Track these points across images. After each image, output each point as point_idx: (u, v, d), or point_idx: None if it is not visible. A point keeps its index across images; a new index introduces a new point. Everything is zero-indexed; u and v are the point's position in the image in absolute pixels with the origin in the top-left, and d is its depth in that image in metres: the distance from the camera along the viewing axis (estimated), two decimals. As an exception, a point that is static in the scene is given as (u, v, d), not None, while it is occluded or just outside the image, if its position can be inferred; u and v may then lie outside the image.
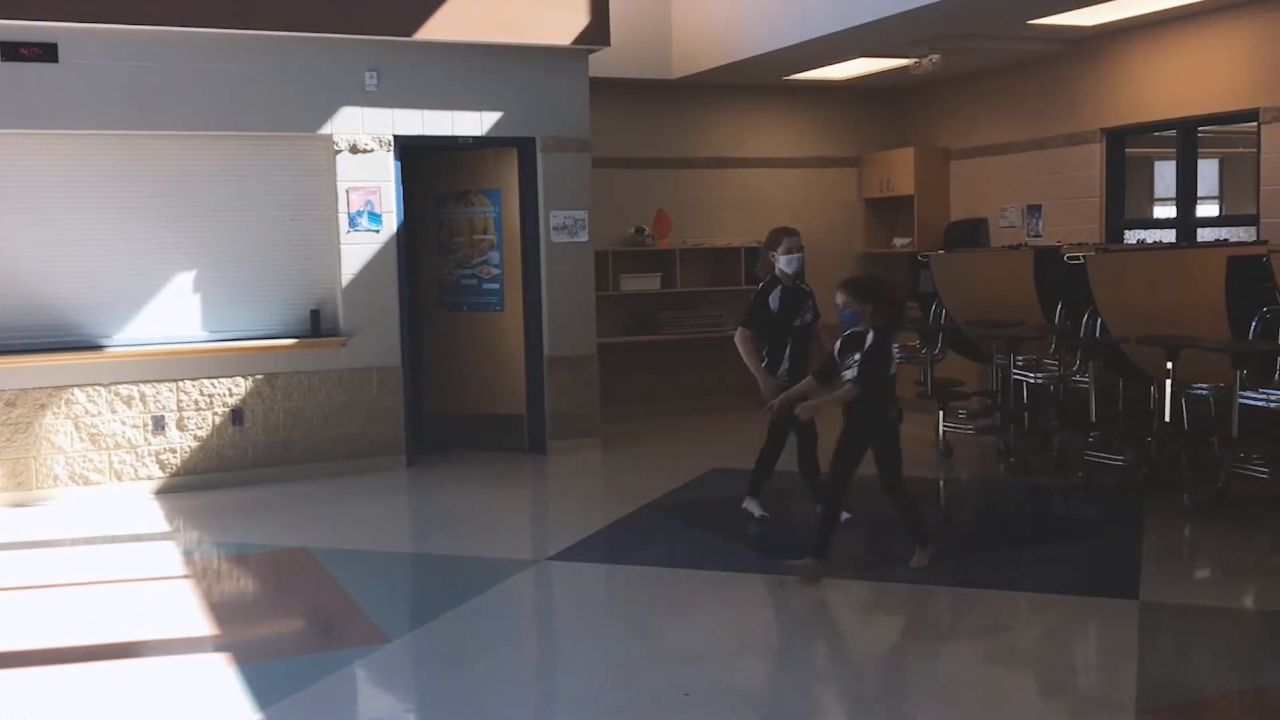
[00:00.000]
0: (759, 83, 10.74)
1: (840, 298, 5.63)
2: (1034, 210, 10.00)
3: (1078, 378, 7.53)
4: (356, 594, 5.57)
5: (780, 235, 6.69)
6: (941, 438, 8.43)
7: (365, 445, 8.48)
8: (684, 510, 7.17)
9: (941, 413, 8.42)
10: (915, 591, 5.49)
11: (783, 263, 6.64)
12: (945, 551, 5.91)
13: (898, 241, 11.21)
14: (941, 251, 9.36)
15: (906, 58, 9.48)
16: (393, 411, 8.58)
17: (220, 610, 5.39)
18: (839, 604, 5.44)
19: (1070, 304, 7.68)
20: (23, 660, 4.75)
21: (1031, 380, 7.82)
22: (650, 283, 10.52)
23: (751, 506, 6.78)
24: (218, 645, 4.90)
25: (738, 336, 6.67)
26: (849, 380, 5.57)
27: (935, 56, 9.24)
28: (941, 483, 7.85)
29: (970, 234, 10.46)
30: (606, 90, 9.76)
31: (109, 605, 5.59)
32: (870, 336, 5.54)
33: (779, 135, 11.30)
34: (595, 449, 9.12)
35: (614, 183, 10.34)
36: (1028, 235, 9.94)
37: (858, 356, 5.53)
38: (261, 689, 4.34)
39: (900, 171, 11.05)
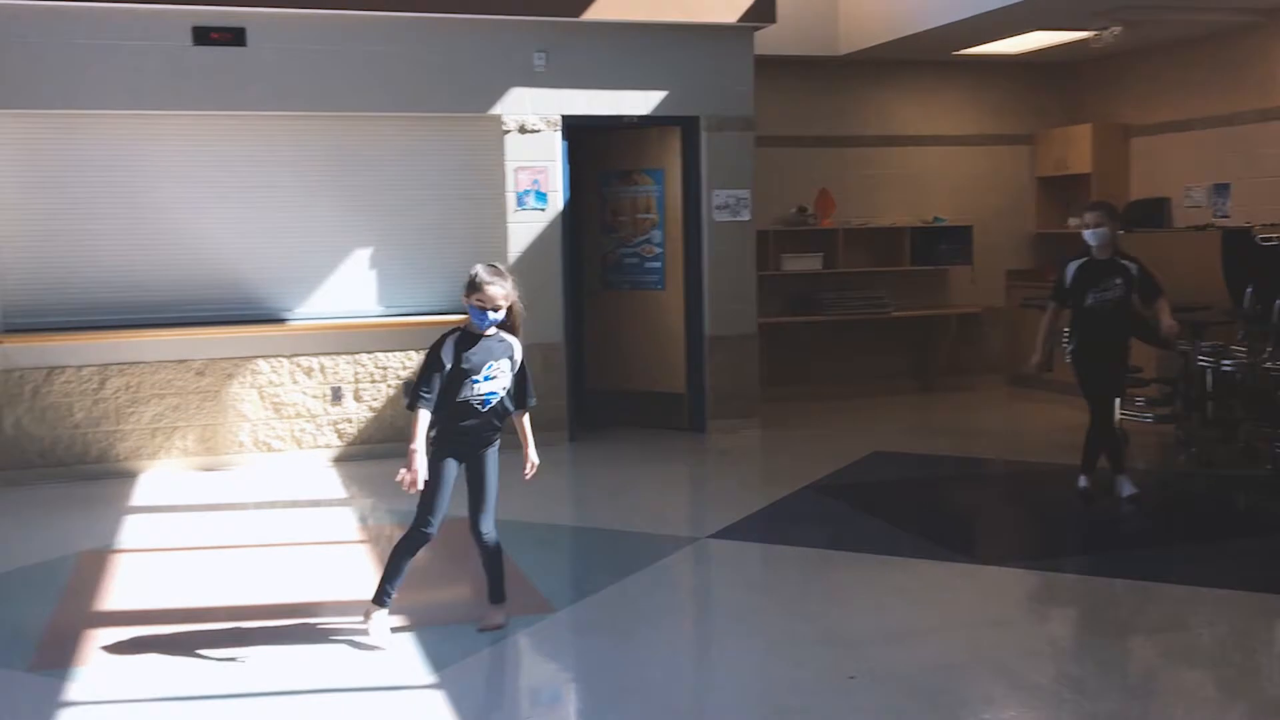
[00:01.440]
0: (928, 58, 10.48)
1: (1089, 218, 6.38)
2: (1221, 189, 9.51)
3: (1269, 364, 7.14)
4: (523, 564, 5.71)
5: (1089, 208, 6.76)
6: (1118, 426, 8.12)
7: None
8: (845, 493, 7.10)
9: (1118, 400, 8.11)
10: (1090, 584, 5.31)
11: (1085, 235, 6.59)
12: (1123, 544, 5.70)
13: (1073, 221, 10.79)
14: (1121, 232, 8.99)
15: (1086, 30, 9.11)
16: (556, 388, 8.73)
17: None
18: (1010, 593, 5.31)
19: (1262, 287, 7.29)
20: (210, 616, 5.03)
21: (1218, 367, 7.45)
22: (812, 263, 10.41)
23: (1103, 484, 6.71)
24: (392, 609, 5.08)
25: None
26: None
27: (1117, 29, 8.86)
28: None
29: (1152, 214, 10.02)
30: (771, 68, 9.68)
31: (291, 567, 5.87)
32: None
33: (948, 112, 11.02)
34: (754, 429, 9.11)
35: (777, 161, 10.26)
36: (1214, 215, 9.46)
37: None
38: (436, 652, 4.50)
39: (1076, 149, 10.64)
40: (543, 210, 8.64)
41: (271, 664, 4.44)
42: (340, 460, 8.25)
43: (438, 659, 4.44)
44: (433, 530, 4.66)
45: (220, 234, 8.11)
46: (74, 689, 4.20)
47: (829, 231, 10.49)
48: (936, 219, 10.87)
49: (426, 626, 4.80)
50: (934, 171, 10.96)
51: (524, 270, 8.55)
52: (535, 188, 8.63)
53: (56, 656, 4.54)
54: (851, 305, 10.47)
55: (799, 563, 5.84)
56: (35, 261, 7.74)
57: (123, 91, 7.68)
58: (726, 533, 6.21)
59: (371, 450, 8.29)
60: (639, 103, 8.79)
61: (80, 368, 7.74)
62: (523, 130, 8.56)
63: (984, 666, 4.42)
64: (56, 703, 4.08)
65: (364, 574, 5.58)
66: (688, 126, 9.00)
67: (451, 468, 4.70)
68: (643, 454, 8.53)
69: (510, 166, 8.57)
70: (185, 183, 8.02)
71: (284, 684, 4.24)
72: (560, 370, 8.74)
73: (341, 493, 7.45)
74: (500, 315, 4.57)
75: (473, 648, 4.59)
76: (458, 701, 4.07)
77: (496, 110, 8.49)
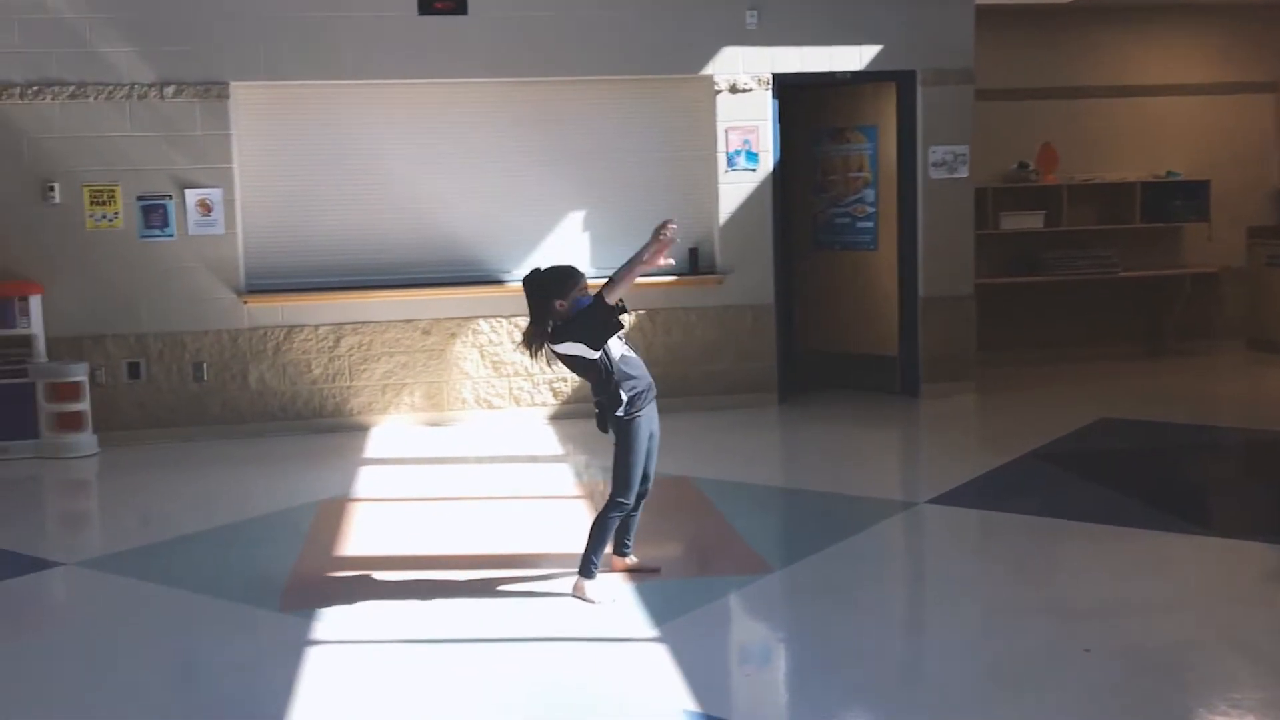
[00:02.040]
0: (1162, 2, 9.86)
1: None
2: None
3: None
4: (738, 523, 5.74)
5: None
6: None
7: (738, 381, 8.67)
8: (1068, 460, 6.83)
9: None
10: (1343, 562, 4.95)
11: None
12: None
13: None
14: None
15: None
16: (765, 349, 8.71)
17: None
18: (1250, 568, 5.01)
19: None
20: (440, 564, 5.26)
21: None
22: (1033, 221, 10.00)
23: None
24: (610, 563, 5.20)
25: None
26: None
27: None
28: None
29: None
30: (991, 18, 9.30)
31: (513, 519, 6.08)
32: None
33: (1183, 59, 10.35)
34: (970, 393, 8.86)
35: (996, 115, 9.87)
36: None
37: None
38: (655, 606, 4.58)
39: (1329, 95, 9.84)
40: (753, 170, 8.60)
41: (498, 612, 4.62)
42: (555, 418, 8.47)
43: (658, 613, 4.52)
44: (630, 501, 4.77)
45: (442, 198, 8.41)
46: (320, 629, 4.48)
47: (1052, 188, 10.05)
48: (1170, 173, 10.26)
49: (645, 581, 4.89)
50: (1167, 122, 10.35)
51: (734, 231, 8.59)
52: (746, 148, 8.59)
53: (303, 598, 4.84)
54: (1076, 265, 10.02)
55: (1021, 531, 5.66)
56: (275, 227, 8.22)
57: (353, 62, 8.04)
58: (944, 498, 6.08)
59: (584, 409, 8.45)
60: (852, 58, 8.61)
61: (317, 326, 8.20)
62: (734, 90, 8.51)
63: (1225, 644, 4.19)
64: (306, 640, 4.36)
65: (581, 528, 5.73)
66: (903, 81, 8.76)
67: (645, 435, 4.79)
68: (854, 417, 8.42)
69: (721, 127, 8.54)
70: (410, 149, 8.34)
71: (511, 631, 4.40)
72: (769, 332, 8.71)
73: (558, 449, 7.66)
74: None
75: (693, 603, 4.65)
76: (679, 654, 4.13)
77: (708, 70, 8.48)
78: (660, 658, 4.12)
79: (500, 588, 4.91)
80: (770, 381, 8.74)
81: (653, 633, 4.35)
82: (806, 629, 4.50)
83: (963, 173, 8.81)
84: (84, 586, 5.21)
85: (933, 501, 6.03)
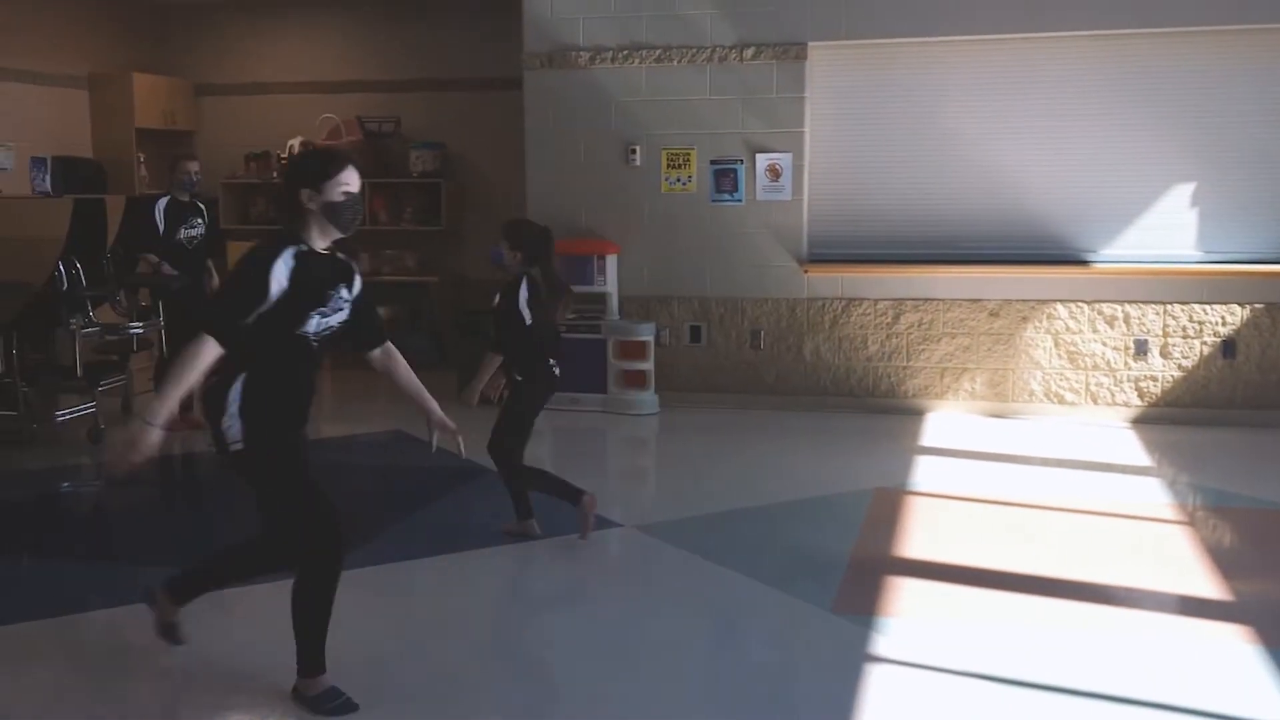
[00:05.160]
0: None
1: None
2: None
3: None
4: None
5: None
6: None
7: (1385, 398, 7.04)
8: None
9: None
10: None
11: None
12: None
13: None
14: None
15: None
16: None
17: (1223, 569, 4.69)
18: None
19: None
20: (1013, 584, 4.57)
21: None
22: None
23: None
24: (1227, 613, 4.24)
25: None
26: None
27: None
28: None
29: None
30: None
31: (1090, 538, 5.23)
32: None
33: None
34: None
35: None
36: None
37: None
38: (1298, 685, 3.59)
39: None
40: None
41: (1091, 657, 3.86)
42: (1139, 422, 7.37)
43: (1305, 696, 3.53)
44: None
45: (1017, 166, 7.58)
46: (878, 641, 3.99)
47: None
48: None
49: (1261, 646, 3.88)
50: None
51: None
52: None
53: (858, 601, 4.39)
54: None
55: None
56: (840, 194, 7.85)
57: (939, 18, 7.43)
58: None
59: (1177, 415, 7.30)
60: None
61: (876, 301, 7.75)
62: None
63: None
64: (862, 653, 3.89)
65: (1179, 561, 4.77)
66: None
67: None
68: None
69: (1384, 83, 6.92)
70: (988, 112, 7.60)
71: (1107, 686, 3.63)
72: None
73: (1143, 459, 6.61)
74: None
75: (1352, 691, 3.60)
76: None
77: (1373, 13, 6.88)
78: (1315, 761, 3.17)
79: (1091, 624, 4.15)
80: None
81: (1298, 721, 3.38)
82: None
83: None
84: (639, 551, 5.15)
85: None
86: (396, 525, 5.45)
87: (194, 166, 7.38)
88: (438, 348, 9.61)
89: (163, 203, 7.29)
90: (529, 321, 4.93)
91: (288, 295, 3.30)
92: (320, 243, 3.43)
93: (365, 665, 3.75)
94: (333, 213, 3.38)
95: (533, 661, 3.91)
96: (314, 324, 3.39)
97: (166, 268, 7.21)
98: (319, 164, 3.45)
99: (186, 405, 7.25)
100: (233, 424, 3.35)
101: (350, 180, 3.41)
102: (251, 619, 4.23)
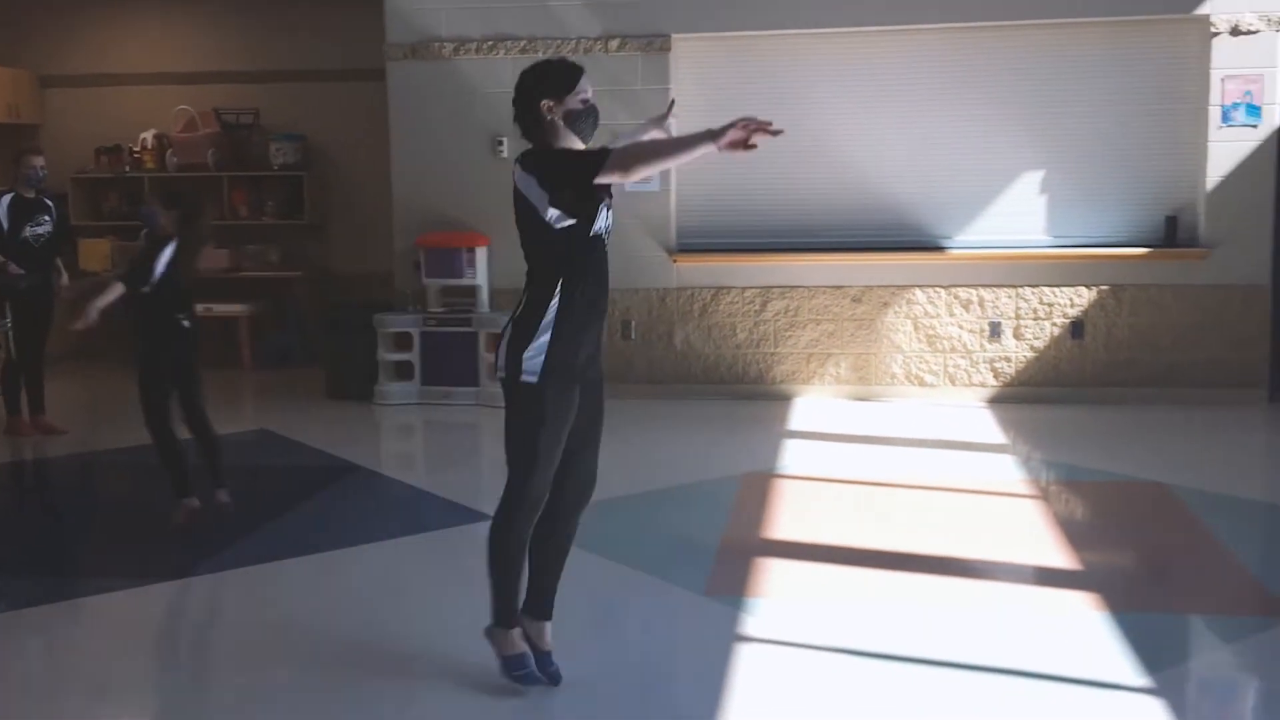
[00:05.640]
0: None
1: None
2: None
3: None
4: (1236, 548, 4.77)
5: None
6: None
7: (1219, 373, 7.45)
8: None
9: None
10: None
11: None
12: None
13: None
14: None
15: None
16: (1255, 338, 7.42)
17: (1074, 541, 4.92)
18: None
19: None
20: (876, 561, 4.72)
21: None
22: None
23: None
24: (1077, 582, 4.45)
25: None
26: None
27: None
28: None
29: None
30: None
31: (949, 514, 5.43)
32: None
33: None
34: None
35: None
36: None
37: None
38: (1142, 647, 3.78)
39: None
40: (1254, 127, 7.31)
41: (948, 628, 4.02)
42: (994, 401, 7.66)
43: (1149, 656, 3.72)
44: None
45: (878, 156, 7.78)
46: (750, 622, 4.09)
47: None
48: None
49: (1125, 612, 4.09)
50: None
51: (1224, 197, 7.37)
52: (1246, 100, 7.30)
53: (729, 583, 4.48)
54: None
55: None
56: (707, 184, 7.94)
57: (796, 10, 7.58)
58: None
59: (1030, 394, 7.60)
60: (1401, -11, 7.08)
61: (744, 289, 7.88)
62: (1235, 32, 7.25)
63: None
64: (734, 634, 3.98)
65: (1033, 534, 4.99)
66: None
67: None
68: (1370, 424, 6.99)
69: (1215, 75, 7.31)
70: (848, 104, 7.78)
71: (969, 656, 3.78)
72: (1263, 317, 7.41)
73: (998, 437, 6.88)
74: None
75: (1192, 649, 3.83)
76: (1178, 714, 3.35)
77: (1203, 10, 7.27)
78: (1155, 717, 3.36)
79: (951, 597, 4.31)
80: (1259, 376, 7.44)
81: (1143, 681, 3.58)
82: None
83: None
84: (513, 543, 5.14)
85: None
86: (267, 525, 5.34)
87: (39, 161, 7.08)
88: (303, 344, 9.43)
89: (6, 199, 6.98)
90: (155, 278, 5.09)
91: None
92: None
93: (237, 667, 3.68)
94: (574, 120, 3.36)
95: (403, 656, 3.89)
96: (603, 219, 3.38)
97: (13, 267, 6.91)
98: (558, 74, 3.41)
99: (39, 408, 7.08)
100: (538, 355, 3.30)
101: (587, 88, 3.40)
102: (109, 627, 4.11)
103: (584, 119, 3.40)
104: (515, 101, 3.42)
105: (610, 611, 4.33)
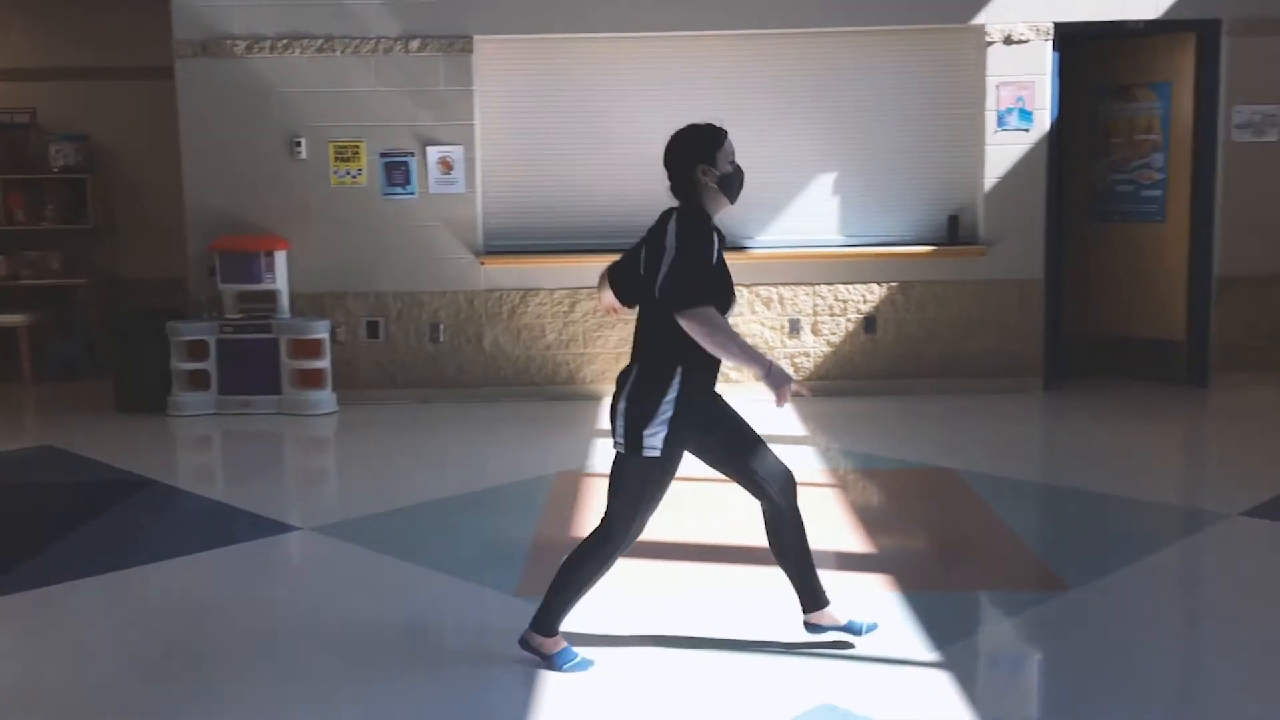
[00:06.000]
0: None
1: None
2: None
3: None
4: (1017, 528, 5.09)
5: None
6: None
7: (999, 363, 7.92)
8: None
9: None
10: None
11: None
12: None
13: None
14: None
15: None
16: (1031, 329, 7.92)
17: (868, 526, 5.16)
18: None
19: None
20: (687, 553, 4.84)
21: None
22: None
23: None
24: (870, 564, 4.67)
25: None
26: None
27: None
28: None
29: None
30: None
31: (747, 505, 5.58)
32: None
33: None
34: (1271, 386, 7.81)
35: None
36: None
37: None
38: (934, 623, 4.00)
39: None
40: (1026, 131, 7.79)
41: (751, 615, 4.15)
42: (795, 396, 7.91)
43: (938, 631, 3.94)
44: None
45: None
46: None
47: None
48: None
49: (915, 591, 4.31)
50: None
51: (1001, 197, 7.82)
52: (1019, 105, 7.78)
53: (541, 582, 4.47)
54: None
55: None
56: (513, 187, 7.96)
57: (598, 14, 7.67)
58: (1263, 510, 5.22)
59: (828, 387, 7.90)
60: (1147, 5, 7.66)
61: (553, 290, 7.92)
62: (1008, 41, 7.71)
63: None
64: (545, 632, 3.99)
65: (826, 518, 5.20)
66: (1205, 31, 7.74)
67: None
68: (1130, 408, 7.55)
69: (991, 82, 7.77)
70: (654, 107, 7.89)
71: (764, 636, 3.92)
72: (1037, 310, 7.91)
73: (799, 429, 7.13)
74: None
75: (977, 623, 4.06)
76: (966, 685, 3.56)
77: (979, 20, 7.71)
78: (944, 688, 3.56)
79: (753, 585, 4.45)
80: (1035, 365, 7.94)
81: (933, 656, 3.78)
82: (1133, 670, 3.79)
83: (1273, 136, 7.74)
84: (319, 553, 5.04)
85: (1249, 514, 5.20)
86: (55, 545, 5.06)
87: None
88: (90, 355, 8.97)
89: None
90: None
91: (720, 270, 3.35)
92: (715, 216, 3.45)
93: (23, 694, 3.48)
94: (726, 184, 3.44)
95: (204, 675, 3.76)
96: (729, 300, 3.43)
97: None
98: (710, 138, 3.47)
99: None
100: (659, 431, 3.33)
101: (732, 149, 3.49)
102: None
103: (734, 181, 3.54)
104: (668, 163, 3.52)
105: (421, 618, 4.28)
